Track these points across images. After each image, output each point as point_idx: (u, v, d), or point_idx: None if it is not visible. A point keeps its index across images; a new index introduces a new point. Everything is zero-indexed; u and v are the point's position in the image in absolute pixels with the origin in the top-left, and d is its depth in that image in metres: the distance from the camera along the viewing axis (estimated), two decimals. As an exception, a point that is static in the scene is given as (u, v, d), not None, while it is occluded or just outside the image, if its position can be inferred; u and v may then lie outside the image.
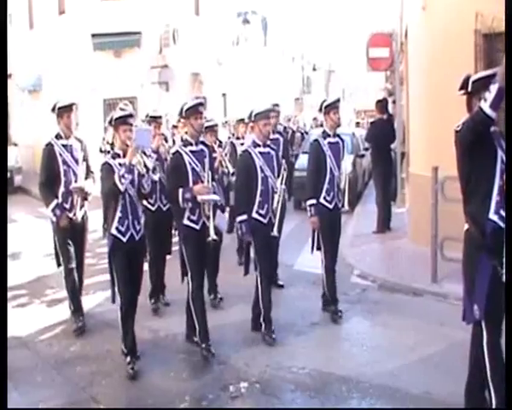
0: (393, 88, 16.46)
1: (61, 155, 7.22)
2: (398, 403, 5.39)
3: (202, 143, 6.59)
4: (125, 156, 6.11)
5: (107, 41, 19.79)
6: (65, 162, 7.23)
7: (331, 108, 7.43)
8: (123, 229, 6.13)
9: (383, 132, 12.31)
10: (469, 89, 4.69)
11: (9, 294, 8.64)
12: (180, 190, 6.25)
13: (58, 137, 7.32)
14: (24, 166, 20.34)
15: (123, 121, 6.16)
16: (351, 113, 46.11)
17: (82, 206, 7.37)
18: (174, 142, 9.72)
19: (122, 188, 5.97)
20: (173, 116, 12.00)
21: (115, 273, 6.15)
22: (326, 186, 7.38)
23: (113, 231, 6.14)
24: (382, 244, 11.16)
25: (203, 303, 6.46)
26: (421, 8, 10.45)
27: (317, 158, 7.40)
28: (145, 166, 6.15)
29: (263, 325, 6.82)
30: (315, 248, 7.58)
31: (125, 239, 6.13)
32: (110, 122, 6.26)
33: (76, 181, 7.24)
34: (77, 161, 7.31)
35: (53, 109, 7.30)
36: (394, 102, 15.78)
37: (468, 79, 4.71)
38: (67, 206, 7.24)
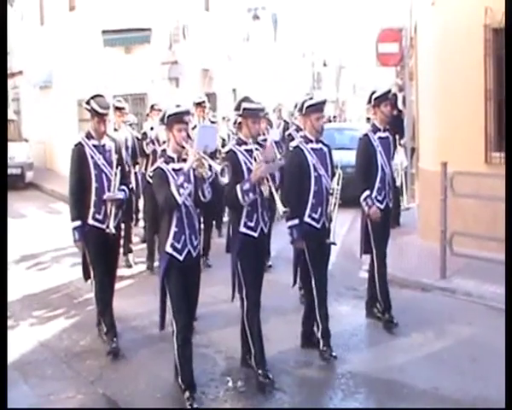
0: (403, 83, 16.42)
1: (92, 157, 6.40)
2: (406, 398, 5.40)
3: (256, 142, 5.86)
4: (179, 160, 5.38)
5: (117, 37, 19.84)
6: (97, 166, 6.40)
7: (382, 99, 6.89)
8: (179, 246, 5.35)
9: (393, 128, 12.26)
10: None
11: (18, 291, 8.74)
12: (237, 186, 5.48)
13: (89, 136, 6.50)
14: (35, 162, 20.40)
15: (178, 119, 5.37)
16: (361, 108, 45.98)
17: (116, 215, 6.51)
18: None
19: (180, 200, 5.17)
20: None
21: (170, 298, 5.39)
22: (377, 185, 6.85)
23: (168, 249, 5.34)
24: (391, 240, 10.94)
25: (259, 323, 5.76)
26: (430, 4, 10.43)
27: (366, 154, 6.84)
28: (210, 168, 5.29)
29: (321, 342, 6.20)
30: (362, 251, 7.20)
31: (181, 258, 5.36)
32: (162, 120, 5.49)
33: (109, 188, 6.42)
34: (110, 164, 6.48)
35: (87, 102, 6.47)
36: (404, 98, 15.73)
37: None
38: (100, 217, 6.41)
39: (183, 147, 5.31)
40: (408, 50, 15.06)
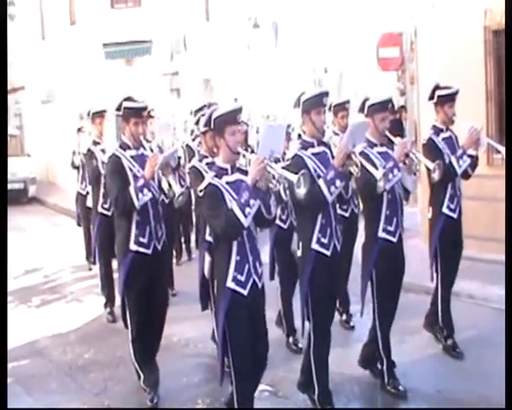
0: (405, 88, 16.42)
1: (131, 169, 5.37)
2: (410, 402, 5.39)
3: (323, 142, 5.12)
4: (233, 171, 4.41)
5: (118, 50, 19.94)
6: (136, 179, 5.33)
7: (448, 99, 6.17)
8: (243, 278, 4.35)
9: (393, 131, 12.26)
10: None
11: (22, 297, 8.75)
12: (320, 180, 4.72)
13: (124, 147, 5.52)
14: (38, 176, 20.46)
15: (231, 119, 4.30)
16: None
17: (161, 235, 5.51)
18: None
19: (247, 222, 4.18)
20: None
21: (230, 344, 4.41)
22: (449, 191, 6.12)
23: (230, 284, 4.33)
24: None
25: (327, 361, 5.12)
26: (430, 6, 10.44)
27: (433, 157, 5.87)
28: (284, 179, 4.24)
29: (385, 376, 5.52)
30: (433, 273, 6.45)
31: (245, 292, 4.37)
32: (208, 124, 4.59)
33: (153, 205, 5.40)
34: (152, 177, 5.37)
35: (118, 109, 5.58)
36: (403, 105, 15.72)
37: None
38: (145, 240, 5.34)
39: (239, 153, 4.39)
40: (408, 54, 15.05)
